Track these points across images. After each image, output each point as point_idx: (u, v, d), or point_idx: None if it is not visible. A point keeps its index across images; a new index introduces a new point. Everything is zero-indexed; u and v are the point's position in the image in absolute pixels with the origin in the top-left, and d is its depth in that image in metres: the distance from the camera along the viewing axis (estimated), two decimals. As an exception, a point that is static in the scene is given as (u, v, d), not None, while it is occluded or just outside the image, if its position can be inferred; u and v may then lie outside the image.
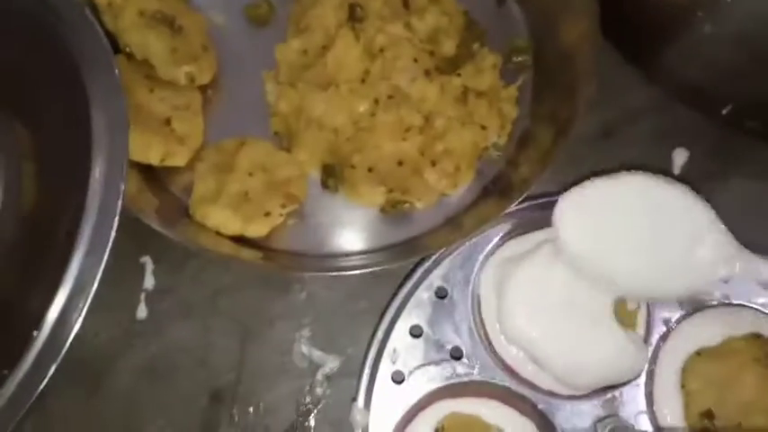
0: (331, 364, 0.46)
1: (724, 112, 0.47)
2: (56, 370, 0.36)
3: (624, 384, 0.44)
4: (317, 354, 0.47)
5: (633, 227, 0.45)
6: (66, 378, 0.45)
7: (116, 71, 0.39)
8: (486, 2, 0.53)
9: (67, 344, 0.35)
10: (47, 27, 0.40)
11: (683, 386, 0.43)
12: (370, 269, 0.44)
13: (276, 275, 0.49)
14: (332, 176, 0.48)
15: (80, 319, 0.36)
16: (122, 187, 0.37)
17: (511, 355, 0.44)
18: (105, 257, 0.36)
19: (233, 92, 0.51)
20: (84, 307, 0.36)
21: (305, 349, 0.47)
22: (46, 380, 0.35)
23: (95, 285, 0.36)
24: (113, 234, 0.37)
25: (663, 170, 0.51)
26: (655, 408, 0.43)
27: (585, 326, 0.44)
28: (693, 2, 0.42)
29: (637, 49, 0.49)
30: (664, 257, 0.45)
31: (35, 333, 0.35)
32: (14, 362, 0.35)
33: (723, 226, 0.45)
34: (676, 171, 0.51)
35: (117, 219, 0.37)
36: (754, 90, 0.45)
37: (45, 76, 0.41)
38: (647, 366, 0.44)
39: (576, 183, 0.48)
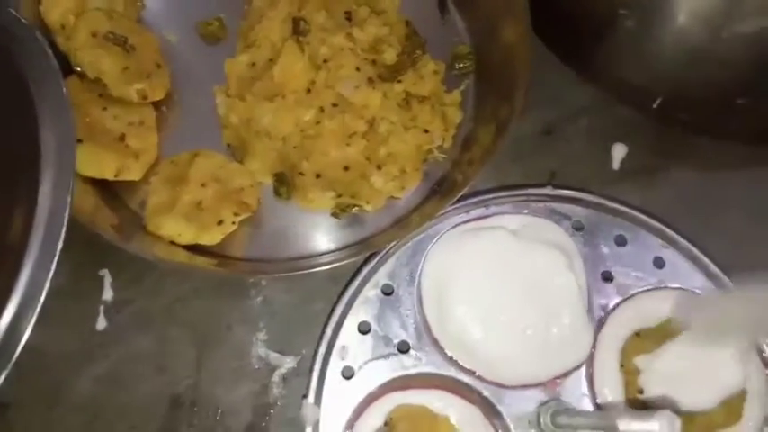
0: (288, 364, 0.48)
1: (655, 106, 0.49)
2: (17, 383, 0.37)
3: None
4: (273, 355, 0.48)
5: None
6: (27, 389, 0.47)
7: (64, 89, 0.41)
8: (429, 12, 0.55)
9: (17, 353, 0.36)
10: (-2, 47, 0.42)
11: (622, 366, 0.45)
12: (320, 268, 0.46)
13: (232, 282, 0.50)
14: (283, 184, 0.50)
15: (29, 328, 0.37)
16: (69, 199, 0.38)
17: (454, 349, 0.46)
18: (53, 267, 0.37)
19: (187, 107, 0.53)
20: (33, 316, 0.37)
21: (262, 352, 0.48)
22: (-3, 387, 0.36)
23: (44, 294, 0.37)
24: (61, 244, 0.38)
25: (602, 165, 0.53)
26: (595, 388, 0.45)
27: (530, 317, 0.45)
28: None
29: (569, 49, 0.52)
30: None
31: (-15, 342, 0.36)
32: (-36, 372, 0.36)
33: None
34: (615, 166, 0.53)
35: (64, 230, 0.38)
36: (679, 84, 0.47)
37: (-5, 94, 0.42)
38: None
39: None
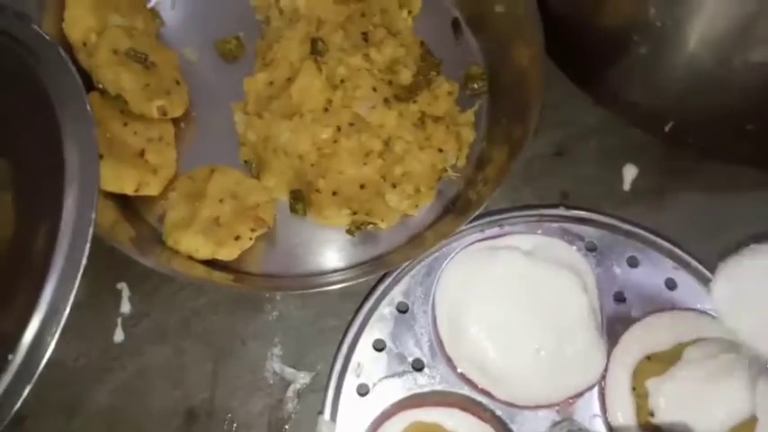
0: (302, 380, 0.48)
1: (666, 129, 0.50)
2: (34, 394, 0.37)
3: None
4: (288, 371, 0.49)
5: None
6: (45, 402, 0.47)
7: (88, 105, 0.41)
8: (443, 34, 0.57)
9: (41, 366, 0.37)
10: (24, 65, 0.42)
11: (633, 389, 0.45)
12: (336, 286, 0.47)
13: (248, 297, 0.51)
14: (299, 201, 0.50)
15: (53, 342, 0.37)
16: (93, 216, 0.39)
17: (468, 368, 0.46)
18: (77, 282, 0.38)
19: (205, 123, 0.54)
20: (57, 330, 0.37)
21: (276, 367, 0.49)
22: (20, 401, 0.36)
23: (68, 309, 0.38)
24: (85, 260, 0.38)
25: (613, 186, 0.54)
26: (607, 410, 0.45)
27: (543, 337, 0.46)
28: (629, 27, 0.46)
29: (583, 73, 0.53)
30: None
31: (10, 357, 0.37)
32: (-11, 386, 0.37)
33: None
34: (626, 187, 0.54)
35: (88, 245, 0.39)
36: (689, 109, 0.48)
37: (22, 110, 0.43)
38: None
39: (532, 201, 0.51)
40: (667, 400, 0.44)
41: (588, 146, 0.55)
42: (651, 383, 0.44)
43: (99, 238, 0.43)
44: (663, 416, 0.44)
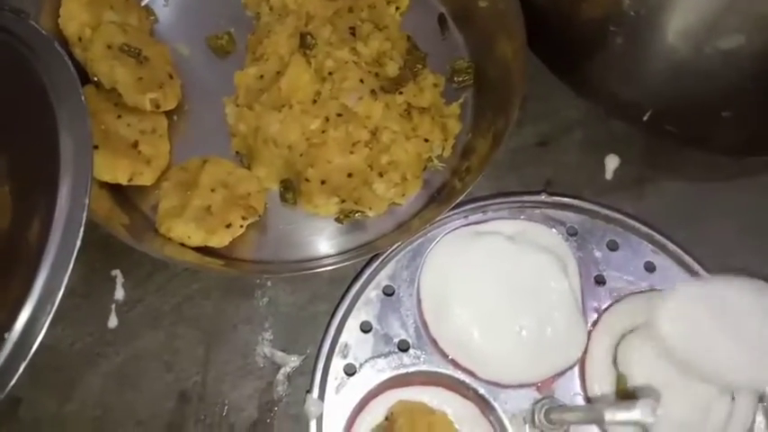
0: (292, 363, 0.49)
1: (645, 118, 0.51)
2: (30, 378, 0.38)
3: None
4: (278, 354, 0.50)
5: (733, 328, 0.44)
6: (40, 386, 0.48)
7: (82, 97, 0.43)
8: (430, 29, 0.58)
9: (36, 344, 0.38)
10: (21, 59, 0.44)
11: (613, 365, 0.47)
12: (322, 269, 0.48)
13: (239, 283, 0.52)
14: (289, 190, 0.52)
15: (47, 322, 0.38)
16: (87, 201, 0.40)
17: (451, 348, 0.47)
18: (71, 265, 0.39)
19: (197, 116, 0.55)
20: (51, 310, 0.39)
21: (267, 351, 0.50)
22: (16, 377, 0.38)
23: (62, 291, 0.39)
24: (79, 243, 0.40)
25: (596, 175, 0.55)
26: (587, 388, 0.47)
27: (525, 318, 0.47)
28: (605, 17, 0.47)
29: (563, 65, 0.54)
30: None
31: (6, 335, 0.38)
32: (-14, 363, 0.38)
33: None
34: (608, 176, 0.55)
35: (82, 230, 0.40)
36: (666, 97, 0.49)
37: (19, 103, 0.44)
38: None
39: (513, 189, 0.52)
40: (644, 374, 0.45)
41: (572, 136, 0.56)
42: (629, 359, 0.46)
43: (94, 226, 0.45)
44: (635, 384, 0.45)
